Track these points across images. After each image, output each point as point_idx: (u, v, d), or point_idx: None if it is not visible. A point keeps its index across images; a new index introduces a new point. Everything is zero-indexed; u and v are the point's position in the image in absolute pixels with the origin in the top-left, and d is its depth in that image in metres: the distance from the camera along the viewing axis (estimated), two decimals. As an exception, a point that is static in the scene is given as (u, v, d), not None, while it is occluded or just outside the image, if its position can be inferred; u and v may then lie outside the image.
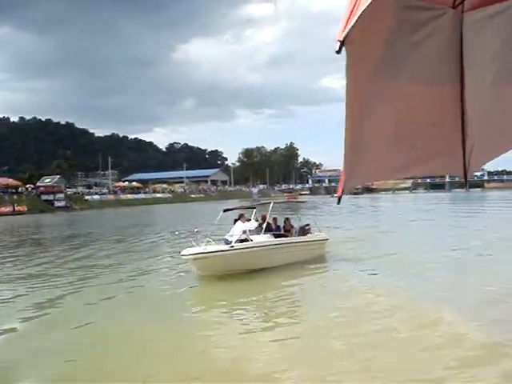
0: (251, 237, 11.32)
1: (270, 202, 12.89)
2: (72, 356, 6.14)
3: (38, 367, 5.86)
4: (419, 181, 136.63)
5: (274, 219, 12.92)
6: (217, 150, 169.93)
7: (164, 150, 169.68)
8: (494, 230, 18.32)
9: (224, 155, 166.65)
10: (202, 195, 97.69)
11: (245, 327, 7.28)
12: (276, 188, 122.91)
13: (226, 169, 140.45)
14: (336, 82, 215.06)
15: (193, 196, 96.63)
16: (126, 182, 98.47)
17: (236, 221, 11.77)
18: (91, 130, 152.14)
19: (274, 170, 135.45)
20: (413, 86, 2.09)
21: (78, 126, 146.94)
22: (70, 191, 75.93)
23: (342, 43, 1.61)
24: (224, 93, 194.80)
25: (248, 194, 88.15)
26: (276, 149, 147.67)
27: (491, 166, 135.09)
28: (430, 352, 5.69)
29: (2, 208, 58.01)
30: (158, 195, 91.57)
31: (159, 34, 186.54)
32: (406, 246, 14.92)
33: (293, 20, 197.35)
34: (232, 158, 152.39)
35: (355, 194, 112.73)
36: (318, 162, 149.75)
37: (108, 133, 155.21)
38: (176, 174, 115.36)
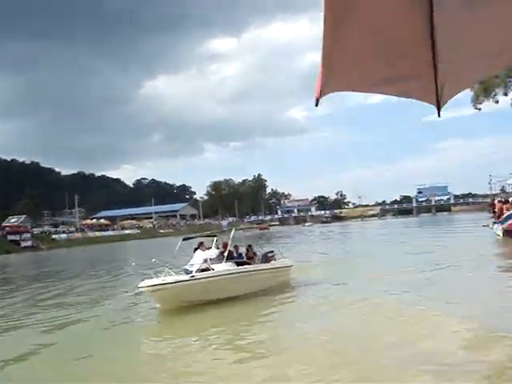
0: (212, 265, 11.00)
1: (232, 229, 12.66)
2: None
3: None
4: (387, 207, 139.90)
5: (235, 247, 12.57)
6: (184, 185, 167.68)
7: (131, 185, 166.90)
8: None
9: (192, 189, 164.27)
10: (171, 230, 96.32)
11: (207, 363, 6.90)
12: (245, 220, 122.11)
13: (194, 203, 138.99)
14: (299, 113, 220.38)
15: (162, 231, 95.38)
16: (94, 220, 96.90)
17: (196, 249, 11.46)
18: (57, 169, 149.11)
19: (243, 201, 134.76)
20: None
21: (44, 165, 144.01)
22: (36, 231, 74.45)
23: None
24: (191, 127, 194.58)
25: (218, 226, 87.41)
26: (244, 181, 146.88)
27: (457, 189, 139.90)
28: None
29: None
30: (127, 231, 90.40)
31: (127, 71, 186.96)
32: (374, 267, 15.03)
33: (257, 52, 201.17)
34: (200, 192, 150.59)
35: (325, 222, 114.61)
36: (286, 193, 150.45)
37: (74, 171, 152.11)
38: (144, 210, 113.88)
